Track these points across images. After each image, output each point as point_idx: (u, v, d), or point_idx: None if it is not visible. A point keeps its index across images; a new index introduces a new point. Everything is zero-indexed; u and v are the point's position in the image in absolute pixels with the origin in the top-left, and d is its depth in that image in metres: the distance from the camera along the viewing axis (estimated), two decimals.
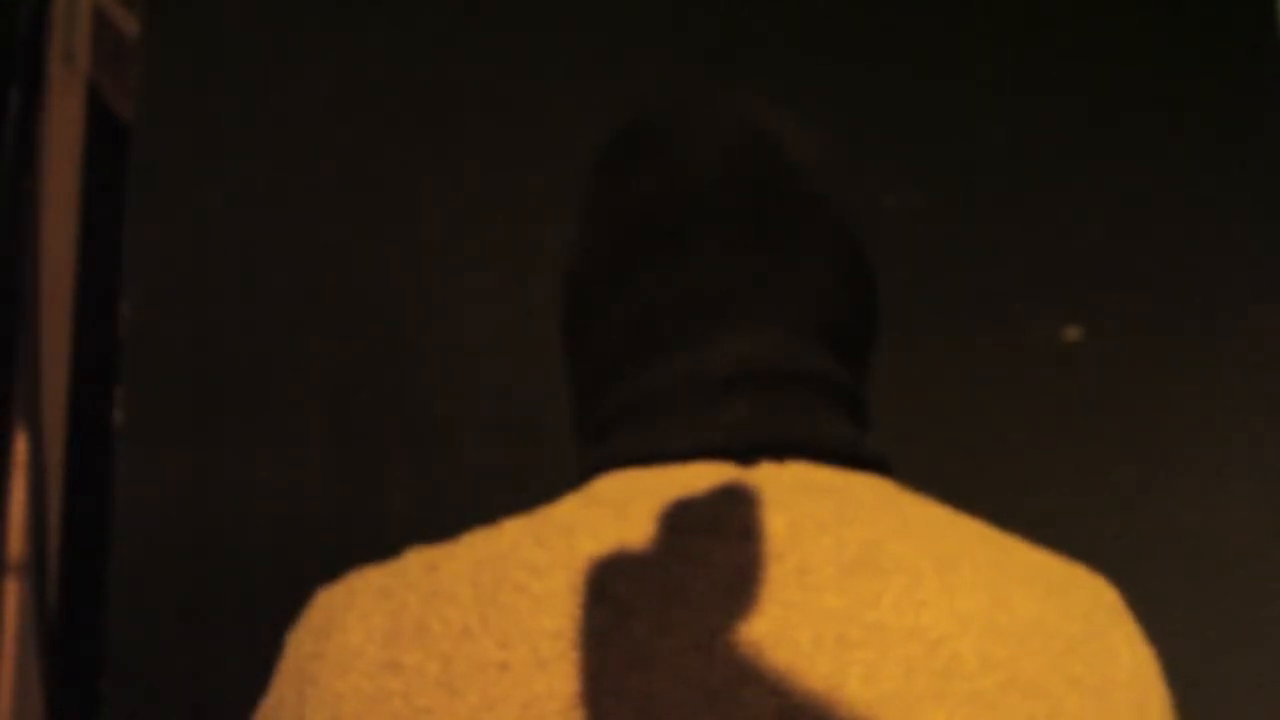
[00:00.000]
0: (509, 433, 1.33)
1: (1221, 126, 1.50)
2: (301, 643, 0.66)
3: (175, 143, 1.38)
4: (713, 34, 1.47)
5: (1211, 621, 1.35)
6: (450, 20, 1.44)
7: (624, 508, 0.65)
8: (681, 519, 0.64)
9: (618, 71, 1.43)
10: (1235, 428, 1.42)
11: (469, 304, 1.38)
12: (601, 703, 0.59)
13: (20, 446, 1.32)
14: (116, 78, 1.44)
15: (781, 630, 0.61)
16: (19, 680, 1.29)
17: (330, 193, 1.39)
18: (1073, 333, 1.43)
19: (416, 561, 0.66)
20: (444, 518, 0.73)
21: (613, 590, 0.62)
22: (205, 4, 1.42)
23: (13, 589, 1.30)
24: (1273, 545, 1.39)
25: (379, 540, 0.72)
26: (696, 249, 0.73)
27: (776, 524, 0.64)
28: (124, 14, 1.45)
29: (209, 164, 1.38)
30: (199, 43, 1.41)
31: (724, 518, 0.65)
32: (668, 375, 0.71)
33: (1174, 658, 0.72)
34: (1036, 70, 1.50)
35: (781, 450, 0.69)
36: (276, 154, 1.39)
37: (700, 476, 0.67)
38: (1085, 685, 0.64)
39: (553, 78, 1.43)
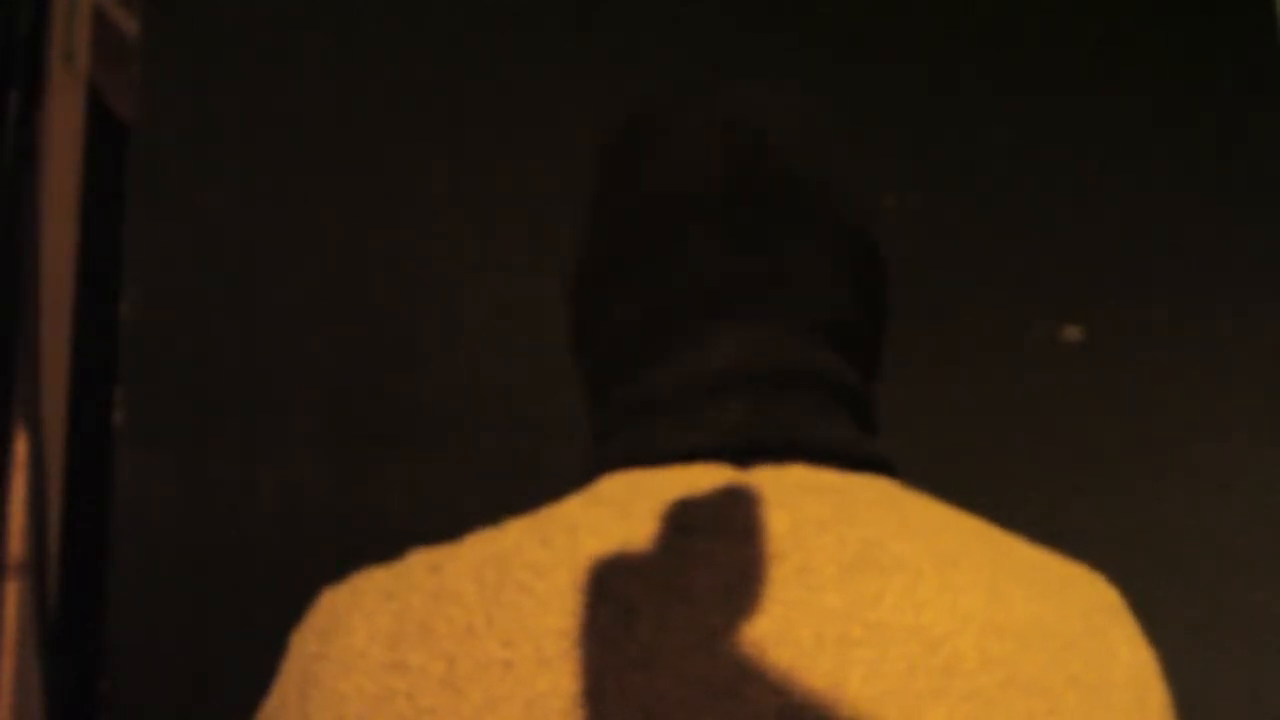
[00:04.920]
0: (509, 432, 1.33)
1: (1221, 126, 1.50)
2: (305, 643, 0.66)
3: (175, 143, 1.38)
4: (713, 34, 1.47)
5: (1211, 621, 1.35)
6: (451, 20, 1.44)
7: (627, 507, 0.66)
8: (684, 518, 0.64)
9: (619, 70, 1.43)
10: (1235, 428, 1.42)
11: (469, 303, 1.38)
12: (604, 701, 0.59)
13: (20, 446, 1.32)
14: (116, 78, 1.44)
15: (783, 629, 0.61)
16: (19, 680, 1.29)
17: (330, 192, 1.39)
18: (1073, 333, 1.43)
19: (420, 563, 0.66)
20: (444, 518, 0.73)
21: (616, 589, 0.62)
22: (205, 4, 1.42)
23: (13, 589, 1.30)
24: (1273, 545, 1.39)
25: (379, 540, 0.72)
26: (696, 248, 0.73)
27: (778, 523, 0.65)
28: (124, 14, 1.45)
29: (209, 164, 1.38)
30: (199, 43, 1.41)
31: (726, 517, 0.65)
32: (668, 376, 0.71)
33: (1173, 657, 0.72)
34: (1036, 70, 1.50)
35: (780, 450, 0.69)
36: (276, 154, 1.39)
37: (702, 476, 0.67)
38: (1084, 683, 0.64)
39: (554, 76, 1.43)
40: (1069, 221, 1.46)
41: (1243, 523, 1.39)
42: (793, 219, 0.74)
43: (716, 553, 0.63)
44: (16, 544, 1.31)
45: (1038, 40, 1.51)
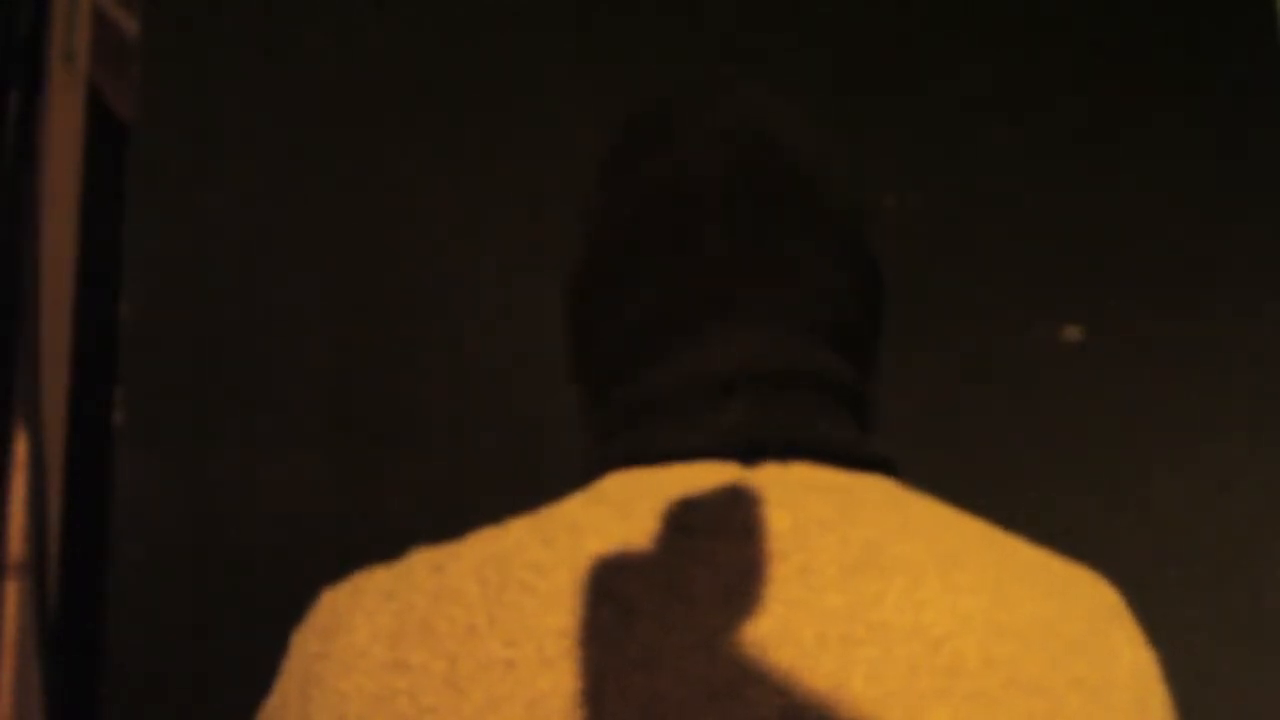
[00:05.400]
0: (509, 433, 1.33)
1: (1221, 126, 1.50)
2: (307, 642, 0.66)
3: (175, 143, 1.38)
4: (713, 33, 1.47)
5: (1211, 621, 1.35)
6: (452, 20, 1.44)
7: (628, 507, 0.66)
8: (685, 518, 0.65)
9: (620, 70, 1.43)
10: (1235, 428, 1.42)
11: (469, 303, 1.38)
12: (606, 701, 0.59)
13: (20, 446, 1.32)
14: (116, 78, 1.44)
15: (785, 629, 0.61)
16: (19, 680, 1.29)
17: (330, 193, 1.39)
18: (1073, 332, 1.43)
19: (422, 562, 0.66)
20: (444, 518, 0.73)
21: (617, 589, 0.62)
22: (205, 4, 1.42)
23: (13, 589, 1.30)
24: (1273, 545, 1.39)
25: (379, 540, 0.72)
26: (698, 249, 0.73)
27: (780, 523, 0.65)
28: (124, 14, 1.45)
29: (209, 164, 1.38)
30: (199, 43, 1.41)
31: (728, 517, 0.65)
32: (670, 375, 0.71)
33: (1173, 658, 0.72)
34: (1036, 71, 1.50)
35: (782, 450, 0.69)
36: (276, 154, 1.39)
37: (704, 476, 0.67)
38: (1087, 685, 0.64)
39: (555, 76, 1.43)
40: (1069, 221, 1.46)
41: (1243, 523, 1.39)
42: (793, 219, 0.74)
43: (717, 552, 0.63)
44: (16, 544, 1.31)
45: (1038, 40, 1.51)
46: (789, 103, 0.79)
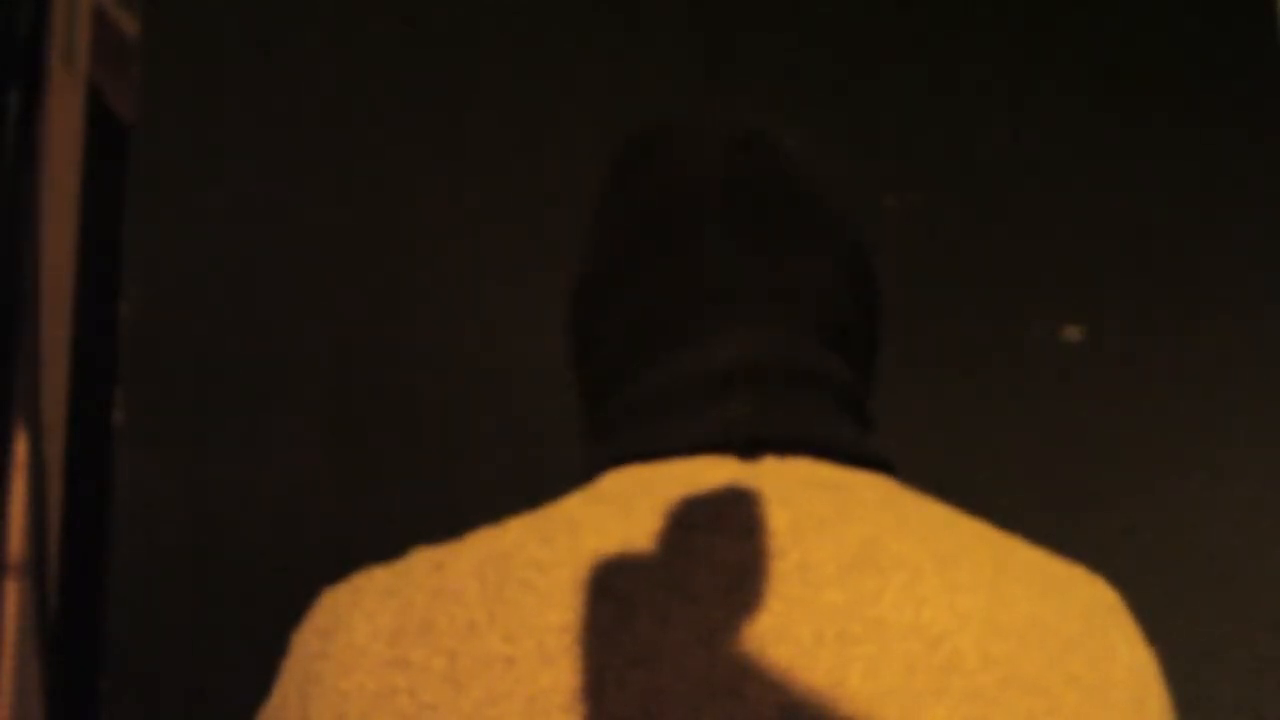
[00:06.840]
0: (509, 433, 1.33)
1: (1221, 126, 1.50)
2: (306, 642, 0.66)
3: (175, 143, 1.38)
4: (714, 34, 1.47)
5: (1210, 622, 1.35)
6: (451, 21, 1.44)
7: (628, 504, 0.66)
8: (685, 515, 0.65)
9: (620, 72, 1.43)
10: (1235, 428, 1.42)
11: (469, 304, 1.38)
12: (605, 697, 0.59)
13: (20, 446, 1.32)
14: (116, 78, 1.44)
15: (783, 626, 0.61)
16: (19, 680, 1.29)
17: (330, 193, 1.39)
18: (1073, 332, 1.43)
19: (422, 561, 0.66)
20: (444, 518, 0.73)
21: (617, 586, 0.62)
22: (205, 4, 1.42)
23: (13, 589, 1.30)
24: (1273, 545, 1.39)
25: (379, 540, 0.72)
26: (698, 249, 0.73)
27: (778, 520, 0.65)
28: (124, 14, 1.45)
29: (209, 164, 1.38)
30: (199, 43, 1.41)
31: (727, 514, 0.65)
32: (669, 373, 0.72)
33: (1172, 658, 0.72)
34: (1036, 70, 1.50)
35: (782, 446, 0.69)
36: (276, 154, 1.39)
37: (703, 473, 0.67)
38: (1084, 683, 0.64)
39: (555, 79, 1.43)
40: (1069, 221, 1.46)
41: (1243, 523, 1.39)
42: (793, 220, 0.75)
43: (717, 549, 0.64)
44: (16, 544, 1.31)
45: (1037, 40, 1.51)
46: (782, 126, 0.81)
